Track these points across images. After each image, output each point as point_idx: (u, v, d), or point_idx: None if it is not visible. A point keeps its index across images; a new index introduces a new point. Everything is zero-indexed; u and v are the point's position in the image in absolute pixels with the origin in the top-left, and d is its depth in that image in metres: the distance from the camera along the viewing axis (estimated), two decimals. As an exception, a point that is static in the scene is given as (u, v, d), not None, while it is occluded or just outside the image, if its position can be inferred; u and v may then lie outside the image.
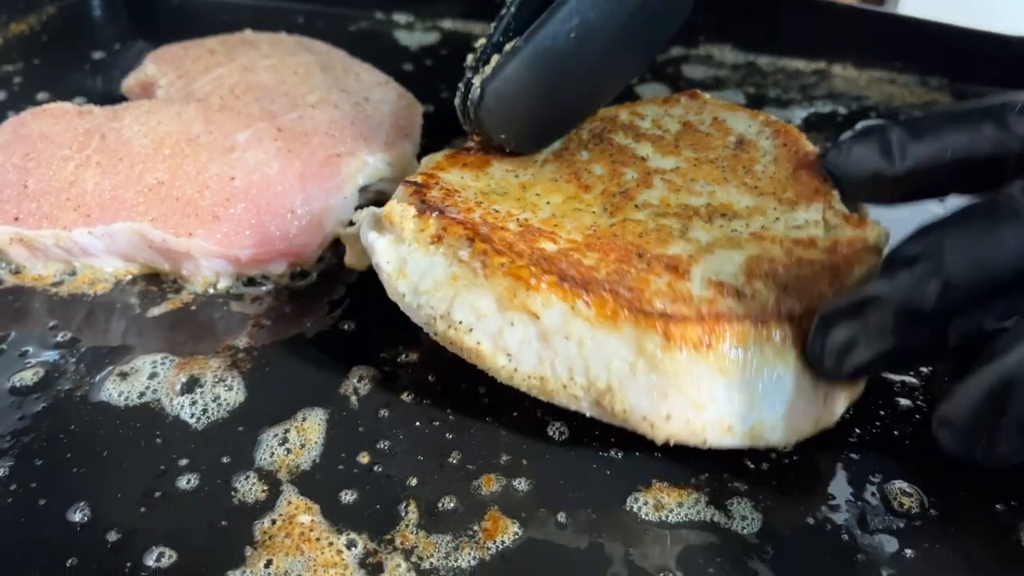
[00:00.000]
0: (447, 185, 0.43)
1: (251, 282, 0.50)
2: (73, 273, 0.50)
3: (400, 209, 0.39)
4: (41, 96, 0.67)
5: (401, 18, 0.80)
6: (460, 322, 0.38)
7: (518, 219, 0.41)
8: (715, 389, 0.36)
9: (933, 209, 0.56)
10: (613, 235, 0.41)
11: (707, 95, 0.52)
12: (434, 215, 0.39)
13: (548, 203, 0.44)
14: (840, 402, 0.38)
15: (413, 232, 0.39)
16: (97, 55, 0.74)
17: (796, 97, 0.69)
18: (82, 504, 0.38)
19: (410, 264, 0.39)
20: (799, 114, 0.67)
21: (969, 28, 0.68)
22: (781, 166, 0.46)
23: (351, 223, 0.44)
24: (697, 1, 0.73)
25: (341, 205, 0.51)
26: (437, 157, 0.47)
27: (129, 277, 0.50)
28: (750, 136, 0.48)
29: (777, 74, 0.71)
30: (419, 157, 0.55)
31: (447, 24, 0.79)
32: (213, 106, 0.56)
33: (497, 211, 0.41)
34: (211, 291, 0.49)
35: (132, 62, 0.66)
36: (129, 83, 0.64)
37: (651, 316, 0.36)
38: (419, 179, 0.43)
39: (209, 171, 0.50)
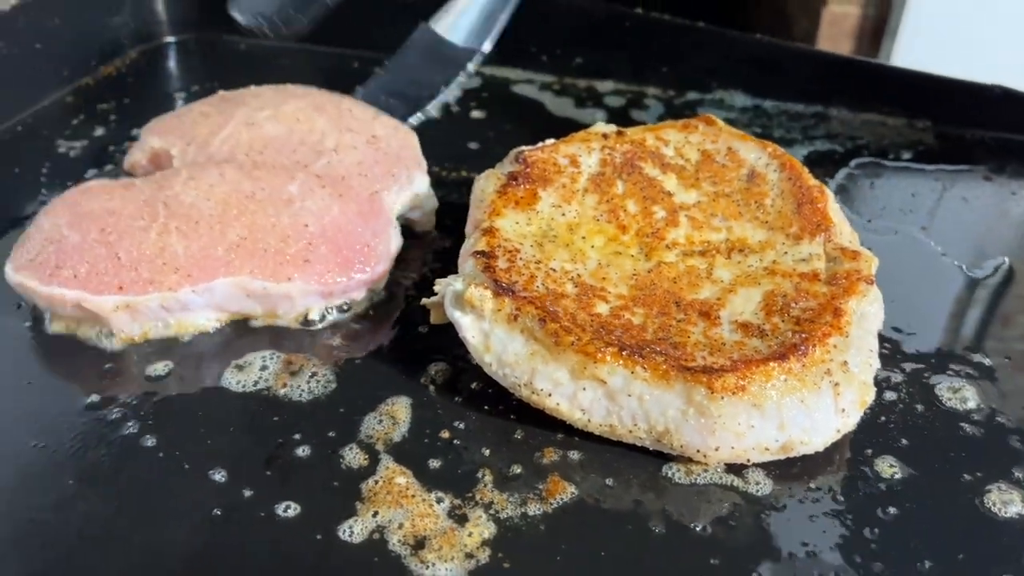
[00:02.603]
0: (507, 242, 0.51)
1: (336, 310, 0.57)
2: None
3: (479, 294, 0.48)
4: (135, 132, 0.76)
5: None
6: (541, 389, 0.47)
7: (572, 277, 0.50)
8: (752, 420, 0.45)
9: (917, 236, 0.66)
10: (652, 283, 0.50)
11: (721, 122, 0.61)
12: (508, 297, 0.47)
13: (593, 247, 0.53)
14: (855, 411, 0.47)
15: (492, 312, 0.48)
16: (179, 95, 0.83)
17: (798, 137, 0.78)
18: (219, 467, 0.46)
19: (492, 339, 0.48)
20: (800, 152, 0.76)
21: (949, 77, 0.77)
22: (787, 201, 0.55)
23: (433, 292, 0.52)
24: (713, 52, 0.83)
25: (394, 235, 0.59)
26: (489, 192, 0.56)
27: (220, 325, 0.55)
28: (760, 168, 0.57)
29: (781, 116, 0.81)
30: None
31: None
32: (246, 165, 0.60)
33: (554, 270, 0.50)
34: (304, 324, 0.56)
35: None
36: (134, 159, 0.66)
37: (696, 372, 0.44)
38: (484, 245, 0.51)
39: (282, 222, 0.56)
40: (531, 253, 0.51)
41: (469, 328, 0.49)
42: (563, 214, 0.55)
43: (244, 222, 0.56)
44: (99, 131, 0.77)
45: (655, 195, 0.56)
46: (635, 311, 0.49)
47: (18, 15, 0.76)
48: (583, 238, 0.53)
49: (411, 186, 0.62)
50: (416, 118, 0.76)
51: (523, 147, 0.59)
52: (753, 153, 0.58)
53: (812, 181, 0.56)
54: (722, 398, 0.44)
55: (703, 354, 0.46)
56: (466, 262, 0.51)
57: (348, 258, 0.56)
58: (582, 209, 0.55)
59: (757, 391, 0.45)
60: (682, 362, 0.45)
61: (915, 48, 1.09)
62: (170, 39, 0.91)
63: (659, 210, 0.55)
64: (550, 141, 0.60)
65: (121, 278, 0.53)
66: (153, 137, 0.66)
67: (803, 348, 0.46)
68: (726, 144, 0.59)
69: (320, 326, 0.56)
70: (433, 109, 0.78)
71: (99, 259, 0.54)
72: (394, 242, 0.59)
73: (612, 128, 0.60)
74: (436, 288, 0.51)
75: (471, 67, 0.76)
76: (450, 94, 0.79)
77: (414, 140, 0.65)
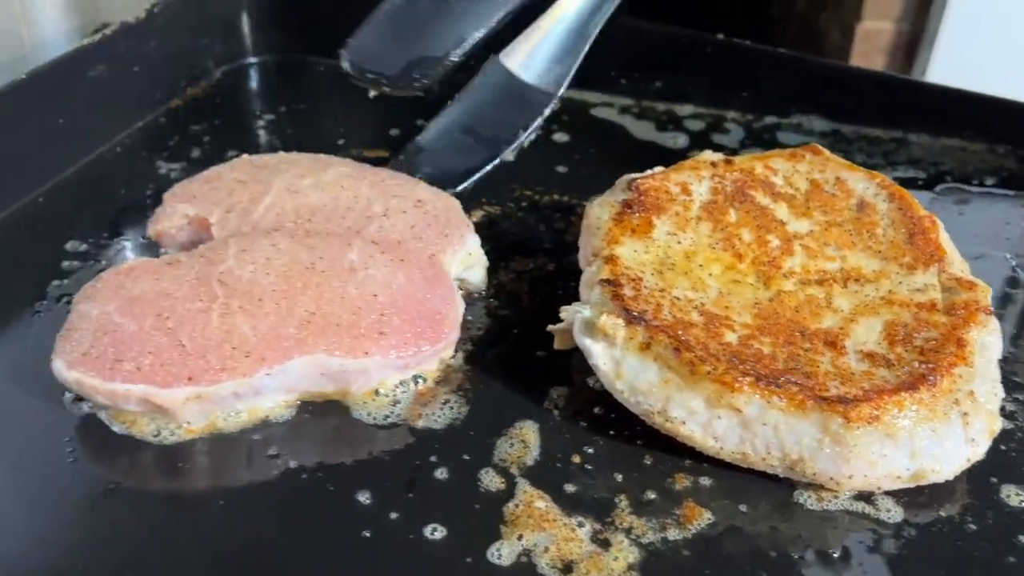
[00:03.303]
0: (629, 270, 0.52)
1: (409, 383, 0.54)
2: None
3: (611, 322, 0.49)
4: (231, 152, 0.77)
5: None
6: (675, 417, 0.48)
7: (697, 306, 0.51)
8: (885, 449, 0.46)
9: (1013, 264, 0.67)
10: (775, 312, 0.52)
11: (827, 151, 0.62)
12: (640, 325, 0.49)
13: (711, 275, 0.54)
14: (984, 440, 0.48)
15: (624, 340, 0.49)
16: (267, 116, 0.85)
17: (880, 162, 0.79)
18: (362, 489, 0.48)
19: (624, 366, 0.49)
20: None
21: (1027, 103, 0.79)
22: (898, 231, 0.56)
23: (560, 319, 0.53)
24: (791, 77, 0.84)
25: (459, 298, 0.57)
26: (605, 219, 0.57)
27: (293, 412, 0.52)
28: (869, 198, 0.59)
29: (860, 141, 0.82)
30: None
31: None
32: (297, 233, 0.58)
33: (678, 299, 0.51)
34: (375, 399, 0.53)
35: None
36: (161, 227, 0.62)
37: (832, 402, 0.46)
38: (608, 274, 0.52)
39: (349, 293, 0.53)
40: (653, 281, 0.53)
41: (600, 356, 0.50)
42: (679, 242, 0.56)
43: (311, 295, 0.53)
44: (195, 152, 0.78)
45: (768, 224, 0.57)
46: (762, 340, 0.50)
47: (119, 39, 0.78)
48: (700, 266, 0.55)
49: (464, 246, 0.60)
50: (493, 164, 0.73)
51: (633, 175, 0.60)
52: (861, 183, 0.59)
53: (922, 211, 0.57)
54: (858, 428, 0.45)
55: (835, 384, 0.47)
56: (592, 290, 0.53)
57: (422, 328, 0.53)
58: (697, 237, 0.56)
59: (891, 421, 0.46)
60: (817, 392, 0.46)
61: (951, 64, 1.10)
62: (252, 60, 0.92)
63: (773, 239, 0.56)
64: (659, 169, 0.61)
65: (190, 367, 0.49)
66: (184, 204, 0.62)
67: (932, 378, 0.47)
68: (834, 173, 0.60)
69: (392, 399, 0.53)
70: (510, 153, 0.75)
71: (162, 348, 0.50)
72: (460, 306, 0.57)
73: (720, 156, 0.62)
74: (563, 315, 0.53)
75: (547, 111, 0.74)
76: (527, 139, 0.75)
77: (457, 204, 0.64)
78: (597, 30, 0.76)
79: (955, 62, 1.10)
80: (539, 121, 0.74)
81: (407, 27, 0.71)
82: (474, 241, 0.61)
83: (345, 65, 0.67)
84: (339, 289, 0.54)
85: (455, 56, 0.69)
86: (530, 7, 0.74)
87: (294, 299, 0.53)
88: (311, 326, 0.52)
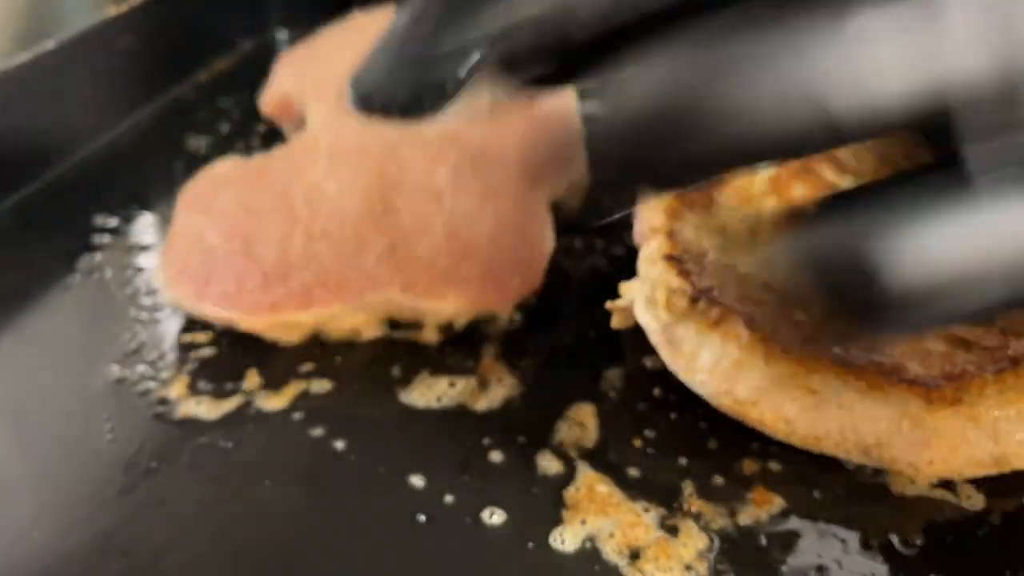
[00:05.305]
0: (692, 245, 0.50)
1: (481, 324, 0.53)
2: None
3: (677, 300, 0.46)
4: (261, 128, 0.75)
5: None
6: (744, 399, 0.45)
7: (764, 283, 0.48)
8: (967, 433, 0.43)
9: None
10: None
11: None
12: (707, 302, 0.46)
13: None
14: None
15: (690, 318, 0.46)
16: (297, 91, 0.83)
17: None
18: (415, 472, 0.45)
19: (689, 345, 0.46)
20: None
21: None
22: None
23: (618, 295, 0.50)
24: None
25: (550, 235, 0.54)
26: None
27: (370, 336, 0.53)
28: None
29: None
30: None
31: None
32: (392, 140, 0.56)
33: (745, 276, 0.48)
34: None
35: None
36: (269, 107, 0.64)
37: (912, 383, 0.43)
38: (671, 249, 0.49)
39: (434, 227, 0.52)
40: (718, 257, 0.50)
41: (664, 334, 0.47)
42: (742, 218, 0.53)
43: (389, 223, 0.52)
44: (224, 127, 0.76)
45: (834, 199, 0.55)
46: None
47: (151, 7, 0.75)
48: (766, 243, 0.52)
49: (571, 166, 0.56)
50: None
51: (691, 148, 0.58)
52: (929, 159, 0.57)
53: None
54: (940, 410, 0.43)
55: (914, 364, 0.45)
56: (653, 266, 0.50)
57: (504, 272, 0.51)
58: (761, 213, 0.54)
59: (973, 403, 0.43)
60: (896, 373, 0.44)
61: None
62: (281, 34, 0.90)
63: (838, 215, 0.54)
64: (716, 142, 0.59)
65: (272, 295, 0.50)
66: (286, 78, 0.62)
67: (1016, 360, 0.45)
68: (903, 148, 0.57)
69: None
70: None
71: (247, 275, 0.50)
72: (549, 245, 0.54)
73: (781, 130, 0.59)
74: (622, 292, 0.50)
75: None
76: None
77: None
78: None
79: None
80: None
81: (415, 46, 0.67)
82: (580, 159, 0.57)
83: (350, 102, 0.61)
84: (423, 219, 0.52)
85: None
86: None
87: (377, 223, 0.52)
88: (388, 260, 0.50)
